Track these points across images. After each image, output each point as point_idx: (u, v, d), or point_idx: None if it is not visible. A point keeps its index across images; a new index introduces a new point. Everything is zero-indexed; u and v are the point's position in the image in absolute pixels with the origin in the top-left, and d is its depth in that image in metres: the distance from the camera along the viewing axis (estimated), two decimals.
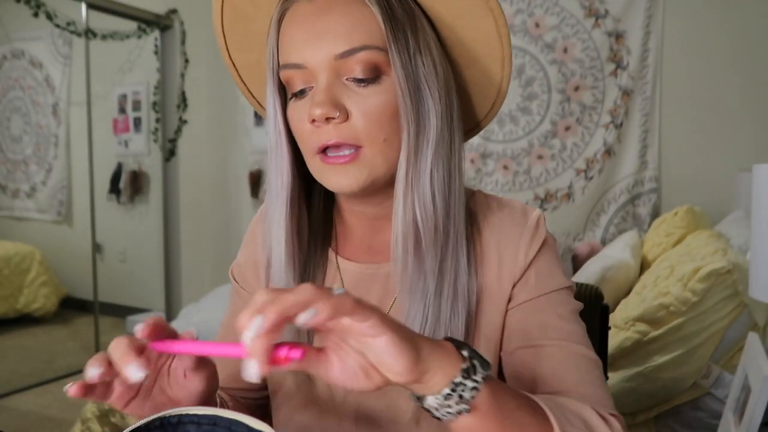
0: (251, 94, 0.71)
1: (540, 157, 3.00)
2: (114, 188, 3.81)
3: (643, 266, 2.20)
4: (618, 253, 2.15)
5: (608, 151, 2.87)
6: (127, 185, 3.81)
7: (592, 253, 2.46)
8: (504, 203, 0.67)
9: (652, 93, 2.76)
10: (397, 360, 0.40)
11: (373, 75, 0.57)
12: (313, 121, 0.56)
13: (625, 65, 2.80)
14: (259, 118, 3.67)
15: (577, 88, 2.90)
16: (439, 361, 0.43)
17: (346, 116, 0.57)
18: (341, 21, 0.56)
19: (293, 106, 0.60)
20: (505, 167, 3.07)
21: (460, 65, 0.65)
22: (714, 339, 1.50)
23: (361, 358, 0.42)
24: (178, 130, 3.74)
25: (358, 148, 0.58)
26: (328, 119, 0.56)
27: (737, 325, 1.50)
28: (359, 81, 0.57)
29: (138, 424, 0.45)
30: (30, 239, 3.58)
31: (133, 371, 0.45)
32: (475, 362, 0.44)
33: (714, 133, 2.64)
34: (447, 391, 0.43)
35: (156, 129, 3.75)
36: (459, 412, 0.43)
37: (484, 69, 0.64)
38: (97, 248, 3.49)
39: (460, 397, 0.43)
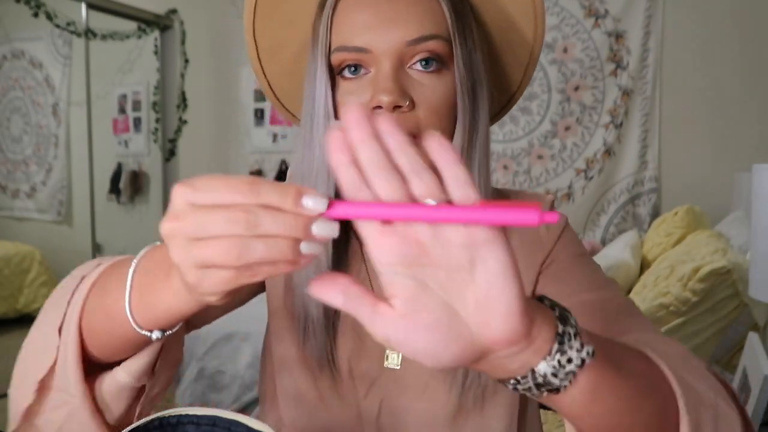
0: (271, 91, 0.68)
1: (540, 157, 3.00)
2: (114, 188, 3.81)
3: (643, 266, 2.20)
4: (618, 253, 2.15)
5: (608, 151, 2.86)
6: (127, 185, 3.81)
7: (592, 253, 2.46)
8: (519, 193, 0.69)
9: (652, 93, 2.76)
10: (512, 289, 0.31)
11: (437, 66, 0.56)
12: (377, 107, 0.54)
13: (625, 65, 2.80)
14: (259, 118, 3.67)
15: (577, 88, 2.90)
16: (536, 307, 0.34)
17: (413, 106, 0.55)
18: (411, 7, 0.55)
19: (344, 86, 0.57)
20: (505, 167, 3.07)
21: (491, 34, 0.63)
22: (714, 339, 1.50)
23: (445, 307, 0.32)
24: (178, 130, 3.74)
25: (415, 137, 0.56)
26: (395, 108, 0.54)
27: (737, 325, 1.50)
28: (424, 70, 0.56)
29: (137, 424, 0.45)
30: (30, 239, 3.58)
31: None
32: (557, 308, 0.36)
33: (714, 133, 2.63)
34: (556, 346, 0.34)
35: (156, 129, 3.75)
36: (582, 361, 0.34)
37: (518, 30, 0.62)
38: (97, 248, 3.49)
39: (570, 346, 0.34)
